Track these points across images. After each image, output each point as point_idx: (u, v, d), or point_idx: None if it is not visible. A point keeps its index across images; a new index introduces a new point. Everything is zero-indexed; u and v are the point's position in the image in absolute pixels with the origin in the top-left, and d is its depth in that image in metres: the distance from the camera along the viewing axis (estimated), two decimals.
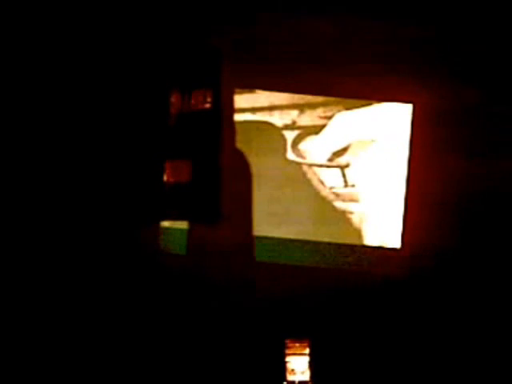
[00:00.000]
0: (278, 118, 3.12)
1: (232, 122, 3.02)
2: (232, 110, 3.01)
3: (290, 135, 3.14)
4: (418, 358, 2.92)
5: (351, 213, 3.12)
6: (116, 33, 2.90)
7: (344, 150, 3.12)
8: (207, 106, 2.89)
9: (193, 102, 2.89)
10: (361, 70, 3.02)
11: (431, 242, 2.96)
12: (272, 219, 3.11)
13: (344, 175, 3.13)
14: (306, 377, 2.79)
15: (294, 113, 3.12)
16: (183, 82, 2.90)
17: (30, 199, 2.95)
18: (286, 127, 3.13)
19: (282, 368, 2.80)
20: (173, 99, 2.90)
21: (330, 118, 3.13)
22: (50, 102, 2.94)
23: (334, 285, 3.02)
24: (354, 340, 2.97)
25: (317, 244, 3.10)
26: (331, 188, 3.13)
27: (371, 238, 3.11)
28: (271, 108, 3.12)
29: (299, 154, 3.14)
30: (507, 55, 2.90)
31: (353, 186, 3.12)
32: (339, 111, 3.12)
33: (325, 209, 3.14)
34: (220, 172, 2.90)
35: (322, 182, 3.14)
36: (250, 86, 3.05)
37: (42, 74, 2.93)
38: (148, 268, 2.98)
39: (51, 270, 2.94)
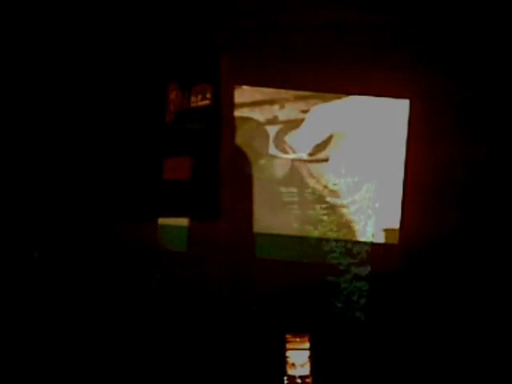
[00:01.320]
0: (259, 114, 3.12)
1: (232, 119, 3.02)
2: (232, 107, 3.01)
3: (272, 130, 3.14)
4: (416, 351, 2.97)
5: (345, 207, 3.14)
6: (114, 30, 2.87)
7: (326, 143, 3.13)
8: (207, 102, 2.88)
9: (192, 98, 2.88)
10: (357, 66, 3.03)
11: (429, 236, 3.00)
12: (263, 215, 3.13)
13: (336, 169, 3.14)
14: (307, 371, 2.82)
15: (275, 107, 3.12)
16: (182, 78, 2.89)
17: (25, 196, 2.92)
18: (268, 122, 3.13)
19: (282, 362, 2.82)
20: (172, 96, 2.88)
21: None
22: (46, 99, 2.91)
23: (333, 279, 3.04)
24: (353, 334, 3.01)
25: (315, 240, 3.12)
26: (324, 183, 3.14)
27: (367, 233, 3.14)
28: (253, 103, 3.11)
29: (282, 149, 3.15)
30: (504, 52, 2.92)
31: (348, 179, 3.14)
32: (318, 104, 3.13)
33: (318, 204, 3.15)
34: (220, 169, 2.90)
35: (314, 177, 3.15)
36: (250, 83, 3.05)
37: (38, 70, 2.89)
38: (147, 265, 2.98)
39: (48, 267, 2.93)
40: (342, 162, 3.13)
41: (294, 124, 3.13)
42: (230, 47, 2.89)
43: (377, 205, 3.12)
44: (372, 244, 3.09)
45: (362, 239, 3.11)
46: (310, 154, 3.13)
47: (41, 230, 2.90)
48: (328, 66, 3.02)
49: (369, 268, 3.05)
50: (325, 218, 3.12)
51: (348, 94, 3.07)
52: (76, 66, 2.88)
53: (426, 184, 3.02)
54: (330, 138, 3.12)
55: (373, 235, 3.10)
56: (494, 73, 2.96)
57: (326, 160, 3.11)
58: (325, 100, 3.10)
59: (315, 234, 3.10)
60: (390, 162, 3.08)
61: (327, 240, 3.10)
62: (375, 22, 2.96)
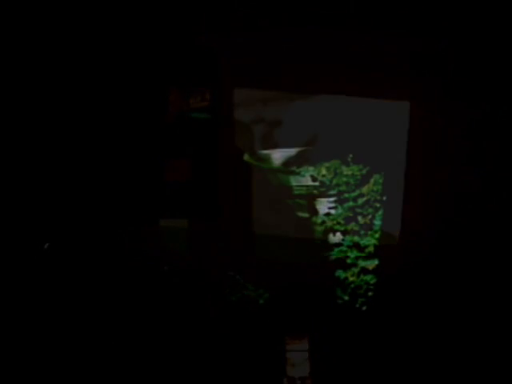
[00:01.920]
0: (243, 114, 3.11)
1: (230, 121, 3.03)
2: (230, 109, 3.02)
3: (257, 130, 3.13)
4: (415, 351, 2.95)
5: (351, 200, 3.12)
6: (115, 35, 2.89)
7: (311, 142, 3.13)
8: (206, 104, 2.90)
9: (192, 100, 2.90)
10: (359, 69, 3.02)
11: (429, 238, 2.98)
12: (271, 210, 3.13)
13: (343, 162, 3.13)
14: (306, 372, 2.82)
15: (259, 107, 3.11)
16: (182, 81, 2.91)
17: (29, 199, 2.96)
18: (253, 122, 3.12)
19: (282, 363, 2.82)
20: (172, 98, 2.90)
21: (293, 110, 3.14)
22: (48, 102, 2.94)
23: (332, 281, 3.04)
24: (352, 335, 2.99)
25: (313, 241, 3.12)
26: (330, 176, 3.13)
27: (375, 227, 3.11)
28: (236, 104, 3.10)
29: (268, 148, 3.14)
30: (503, 56, 2.90)
31: (356, 172, 3.12)
32: (297, 102, 3.12)
33: (324, 197, 3.15)
34: (219, 170, 2.91)
35: (311, 178, 3.14)
36: (249, 86, 3.05)
37: (41, 74, 2.93)
38: (149, 266, 3.00)
39: (51, 269, 2.96)
40: (349, 154, 3.11)
41: (280, 123, 3.12)
42: (230, 50, 2.91)
43: (384, 198, 3.10)
44: (375, 244, 3.08)
45: (369, 233, 3.09)
46: (297, 156, 3.12)
47: (49, 228, 2.93)
48: (328, 69, 3.01)
49: (376, 262, 3.04)
50: (331, 210, 3.11)
51: (348, 96, 3.06)
52: (78, 70, 2.91)
53: (426, 186, 3.01)
54: (315, 137, 3.11)
55: (380, 228, 3.08)
56: (494, 76, 2.94)
57: (305, 166, 3.10)
58: (306, 99, 3.09)
59: (322, 227, 3.09)
60: (395, 157, 3.06)
61: (334, 234, 3.09)
62: (376, 25, 2.95)
